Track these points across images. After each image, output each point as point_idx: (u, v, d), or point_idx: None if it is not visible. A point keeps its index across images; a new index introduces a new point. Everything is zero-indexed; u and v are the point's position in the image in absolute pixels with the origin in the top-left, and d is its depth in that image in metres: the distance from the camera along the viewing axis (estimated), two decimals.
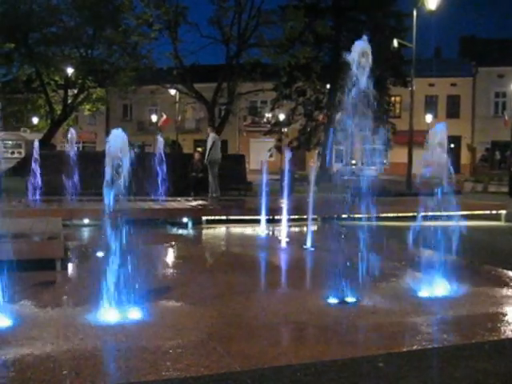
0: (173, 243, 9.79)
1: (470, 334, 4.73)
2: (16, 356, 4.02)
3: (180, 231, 11.15)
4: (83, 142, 59.95)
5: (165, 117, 51.40)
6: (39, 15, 31.24)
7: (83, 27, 33.51)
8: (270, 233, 10.56)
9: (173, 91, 40.34)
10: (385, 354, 4.20)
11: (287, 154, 11.49)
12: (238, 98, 33.31)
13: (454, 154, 51.42)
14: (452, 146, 51.44)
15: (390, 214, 13.02)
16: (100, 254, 8.35)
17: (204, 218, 11.74)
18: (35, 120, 42.71)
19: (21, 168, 23.79)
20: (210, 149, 15.03)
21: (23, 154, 43.02)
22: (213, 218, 11.78)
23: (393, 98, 44.28)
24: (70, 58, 33.94)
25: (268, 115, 47.64)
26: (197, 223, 11.52)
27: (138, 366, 3.91)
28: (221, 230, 11.41)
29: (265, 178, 11.19)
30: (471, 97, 50.46)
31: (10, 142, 52.13)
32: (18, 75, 34.66)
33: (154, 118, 55.38)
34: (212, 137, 15.30)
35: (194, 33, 32.07)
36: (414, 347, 4.37)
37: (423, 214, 12.54)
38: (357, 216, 12.96)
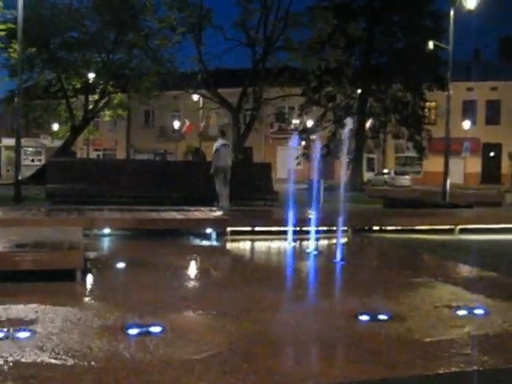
0: (196, 255, 9.82)
1: None
2: (36, 368, 4.06)
3: (203, 242, 11.18)
4: (103, 149, 60.66)
5: (188, 123, 51.76)
6: (61, 20, 31.76)
7: (105, 32, 33.99)
8: (298, 245, 10.53)
9: (196, 96, 40.62)
10: (420, 376, 4.15)
11: (317, 154, 11.40)
12: (264, 103, 33.39)
13: (494, 163, 50.96)
14: (492, 154, 51.02)
15: (424, 227, 12.91)
16: (121, 265, 8.43)
17: (229, 228, 11.76)
18: (56, 126, 43.34)
19: (41, 175, 24.20)
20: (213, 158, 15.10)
21: (43, 162, 43.61)
22: (238, 228, 11.79)
23: (428, 104, 43.95)
24: (91, 63, 34.43)
25: (296, 122, 47.70)
26: (221, 234, 11.55)
27: (160, 382, 3.93)
28: (246, 241, 11.42)
29: (292, 187, 11.19)
30: None
31: (30, 149, 52.88)
32: (39, 81, 35.24)
33: (176, 124, 55.78)
34: (215, 145, 15.35)
35: (218, 36, 32.45)
36: (452, 369, 4.31)
37: (460, 226, 12.44)
38: (390, 228, 12.92)
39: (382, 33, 36.60)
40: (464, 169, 50.01)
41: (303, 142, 37.76)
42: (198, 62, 31.77)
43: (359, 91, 36.31)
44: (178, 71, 32.70)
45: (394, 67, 34.11)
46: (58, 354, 4.38)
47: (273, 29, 31.04)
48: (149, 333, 4.91)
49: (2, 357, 4.26)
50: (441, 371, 4.26)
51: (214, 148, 15.31)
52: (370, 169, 52.97)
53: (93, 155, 54.81)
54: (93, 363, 4.21)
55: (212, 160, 15.33)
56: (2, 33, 22.69)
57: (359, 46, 36.01)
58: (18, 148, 19.43)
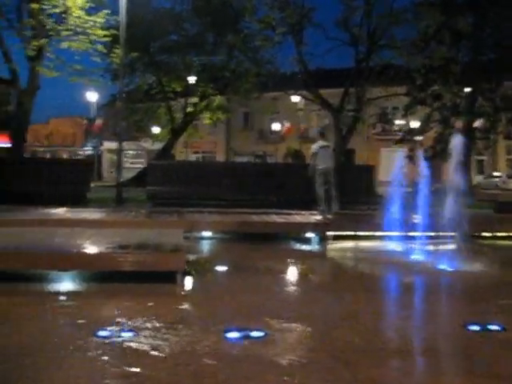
0: (296, 259, 9.82)
1: None
2: (137, 367, 4.19)
3: (304, 247, 11.17)
4: (203, 151, 61.93)
5: (288, 125, 51.99)
6: (161, 24, 32.74)
7: (204, 34, 34.72)
8: (403, 251, 10.32)
9: (296, 98, 40.70)
10: None
11: (422, 156, 11.15)
12: (367, 104, 32.98)
13: None
14: None
15: None
16: (221, 268, 8.57)
17: (330, 233, 11.69)
18: (156, 129, 44.69)
19: (141, 178, 25.03)
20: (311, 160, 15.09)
21: (144, 164, 45.04)
22: (339, 233, 11.69)
23: None
24: (190, 66, 35.28)
25: (400, 122, 46.78)
26: (322, 239, 11.50)
27: None
28: (348, 246, 11.30)
29: (396, 190, 11.00)
30: None
31: (130, 152, 54.78)
32: (140, 84, 36.49)
33: (275, 126, 56.12)
34: (313, 147, 15.29)
35: (319, 35, 32.47)
36: None
37: None
38: (502, 235, 12.40)
39: (491, 28, 35.22)
40: None
41: (408, 144, 36.93)
42: (298, 62, 31.80)
43: (467, 89, 35.11)
44: (278, 72, 32.90)
45: (505, 64, 32.80)
46: (160, 354, 4.50)
47: (376, 26, 30.66)
48: (249, 337, 4.96)
49: (107, 355, 4.44)
50: None
51: (313, 150, 15.29)
52: (480, 172, 51.20)
53: (192, 158, 56.06)
54: (193, 366, 4.30)
55: (310, 162, 15.30)
56: (106, 38, 23.65)
57: (466, 42, 34.83)
58: (119, 151, 20.16)
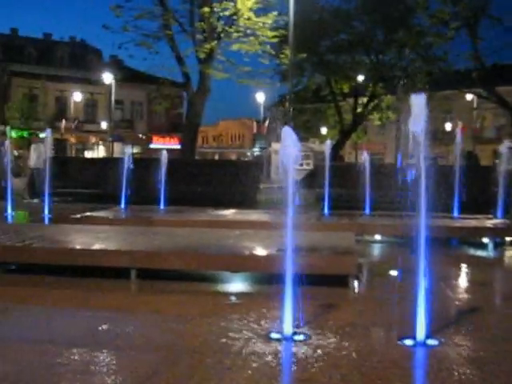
0: (471, 266, 9.50)
1: None
2: (309, 376, 4.28)
3: (479, 253, 10.77)
4: (372, 153, 61.26)
5: (461, 125, 50.15)
6: (330, 23, 32.89)
7: (373, 32, 34.41)
8: None
9: (470, 96, 39.19)
10: None
11: None
12: None
13: None
14: None
15: None
16: (392, 272, 8.49)
17: (508, 238, 11.17)
18: (324, 130, 44.96)
19: (310, 180, 25.28)
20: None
21: (312, 166, 45.32)
22: None
23: None
24: (359, 65, 35.13)
25: None
26: (500, 244, 11.01)
27: None
28: None
29: None
30: None
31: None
32: (308, 85, 36.90)
33: (447, 126, 54.31)
34: (501, 149, 14.63)
35: (496, 28, 30.86)
36: None
37: None
38: None
39: None
40: None
41: None
42: (473, 58, 30.54)
43: None
44: (451, 70, 31.81)
45: None
46: (332, 360, 4.56)
47: None
48: (424, 345, 4.89)
49: (278, 359, 4.56)
50: None
51: (500, 151, 14.65)
52: None
53: (361, 159, 55.63)
54: (367, 373, 4.31)
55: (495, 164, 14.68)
56: (275, 39, 24.17)
57: None
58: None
